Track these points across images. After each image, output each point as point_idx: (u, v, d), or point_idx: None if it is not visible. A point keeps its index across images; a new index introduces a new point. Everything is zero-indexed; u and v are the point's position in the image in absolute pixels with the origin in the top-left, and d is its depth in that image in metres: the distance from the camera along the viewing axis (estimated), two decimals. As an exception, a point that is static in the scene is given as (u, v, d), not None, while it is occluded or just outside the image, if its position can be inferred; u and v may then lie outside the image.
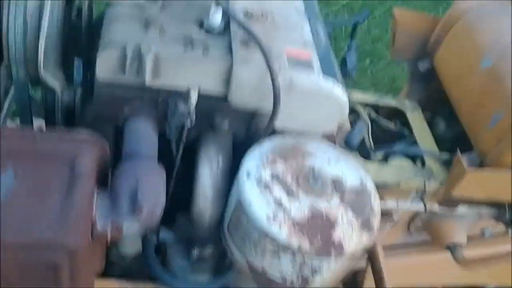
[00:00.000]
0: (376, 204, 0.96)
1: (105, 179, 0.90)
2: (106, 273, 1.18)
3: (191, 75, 0.94)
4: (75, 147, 0.83)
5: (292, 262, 0.89)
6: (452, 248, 1.35)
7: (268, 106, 0.97)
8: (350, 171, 0.99)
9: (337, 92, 0.99)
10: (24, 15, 0.92)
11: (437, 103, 1.49)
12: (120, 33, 0.93)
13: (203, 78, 0.95)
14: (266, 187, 0.91)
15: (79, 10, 1.04)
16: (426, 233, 1.42)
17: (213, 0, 0.98)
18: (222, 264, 1.08)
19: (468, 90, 1.27)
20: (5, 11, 0.91)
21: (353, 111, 1.42)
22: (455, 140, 1.41)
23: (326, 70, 1.02)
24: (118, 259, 1.15)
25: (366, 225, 0.92)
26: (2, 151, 0.80)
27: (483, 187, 1.16)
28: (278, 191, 0.91)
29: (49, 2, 0.91)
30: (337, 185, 0.96)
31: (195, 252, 1.02)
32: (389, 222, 1.31)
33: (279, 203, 0.89)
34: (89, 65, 1.00)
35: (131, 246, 1.12)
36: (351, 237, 0.89)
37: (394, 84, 2.65)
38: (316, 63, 1.02)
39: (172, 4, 1.03)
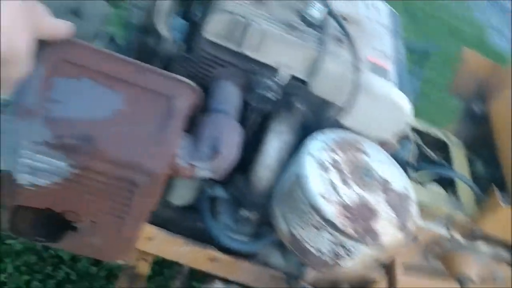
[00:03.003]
0: (414, 212, 1.06)
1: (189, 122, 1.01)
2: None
3: (284, 55, 1.05)
4: (177, 87, 0.94)
5: (332, 239, 0.99)
6: (462, 281, 1.44)
7: (340, 99, 1.08)
8: (397, 177, 1.09)
9: (405, 105, 1.09)
10: None
11: (481, 144, 1.58)
12: (234, 3, 1.05)
13: (293, 61, 1.06)
14: (325, 168, 1.02)
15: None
16: (441, 262, 1.50)
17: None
18: (261, 230, 1.18)
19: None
20: None
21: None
22: (490, 183, 1.50)
23: (400, 86, 1.12)
24: (160, 208, 1.26)
25: (403, 226, 1.02)
26: (117, 75, 0.92)
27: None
28: (334, 175, 1.02)
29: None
30: (385, 185, 1.06)
31: (243, 213, 1.13)
32: (411, 240, 1.40)
33: (333, 185, 1.00)
34: (194, 20, 1.12)
35: (181, 197, 1.23)
36: (388, 232, 0.99)
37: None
38: (393, 75, 1.12)
39: (281, -8, 1.14)
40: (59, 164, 0.89)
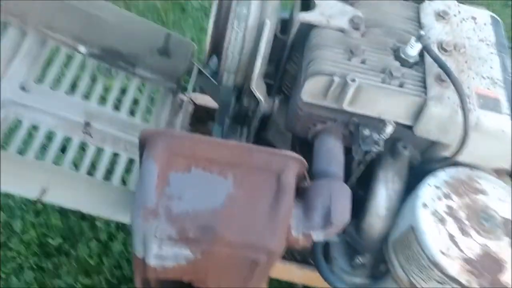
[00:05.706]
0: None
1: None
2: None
3: (385, 104, 1.02)
4: (283, 162, 0.95)
5: (457, 293, 0.97)
6: None
7: (449, 138, 1.03)
8: (520, 213, 1.04)
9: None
10: (244, 33, 1.04)
11: None
12: (326, 62, 1.01)
13: (395, 108, 1.02)
14: (441, 220, 0.99)
15: (283, 28, 1.13)
16: None
17: (411, 34, 1.03)
18: (375, 271, 1.18)
19: None
20: (229, 28, 1.03)
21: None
22: None
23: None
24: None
25: (532, 271, 0.98)
26: (224, 160, 0.94)
27: None
28: (451, 226, 0.99)
29: (268, 25, 1.02)
30: (507, 226, 1.01)
31: (358, 259, 1.14)
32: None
33: (452, 239, 0.97)
34: (285, 79, 1.11)
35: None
36: (517, 281, 0.96)
37: None
38: (504, 103, 1.05)
39: (372, 32, 1.09)
40: (184, 252, 0.95)
